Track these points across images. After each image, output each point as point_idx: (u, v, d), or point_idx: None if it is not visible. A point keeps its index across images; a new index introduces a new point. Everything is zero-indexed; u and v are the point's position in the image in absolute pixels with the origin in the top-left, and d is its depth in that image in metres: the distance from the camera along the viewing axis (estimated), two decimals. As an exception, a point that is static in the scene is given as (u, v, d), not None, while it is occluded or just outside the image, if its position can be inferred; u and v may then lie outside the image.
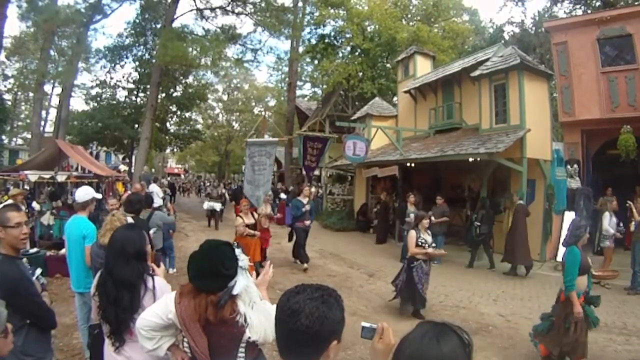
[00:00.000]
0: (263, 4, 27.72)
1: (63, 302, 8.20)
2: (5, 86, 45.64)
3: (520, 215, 13.65)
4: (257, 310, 2.95)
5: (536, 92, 15.29)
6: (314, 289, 1.96)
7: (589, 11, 26.65)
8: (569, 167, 16.29)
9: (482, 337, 8.09)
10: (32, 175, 15.31)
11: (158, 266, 4.10)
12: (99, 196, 6.73)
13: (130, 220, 6.15)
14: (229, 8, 29.56)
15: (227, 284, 2.85)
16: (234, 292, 2.85)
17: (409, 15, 37.80)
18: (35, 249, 11.78)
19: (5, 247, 3.63)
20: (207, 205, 23.50)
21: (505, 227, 15.26)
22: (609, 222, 12.43)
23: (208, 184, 42.60)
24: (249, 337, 2.84)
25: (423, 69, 22.86)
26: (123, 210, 7.08)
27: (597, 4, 28.62)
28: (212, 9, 30.13)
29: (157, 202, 15.39)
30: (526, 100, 14.66)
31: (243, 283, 2.93)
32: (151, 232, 7.57)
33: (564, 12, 31.77)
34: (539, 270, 13.99)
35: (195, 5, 29.70)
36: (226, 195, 28.41)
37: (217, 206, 22.93)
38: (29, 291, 3.72)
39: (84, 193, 6.42)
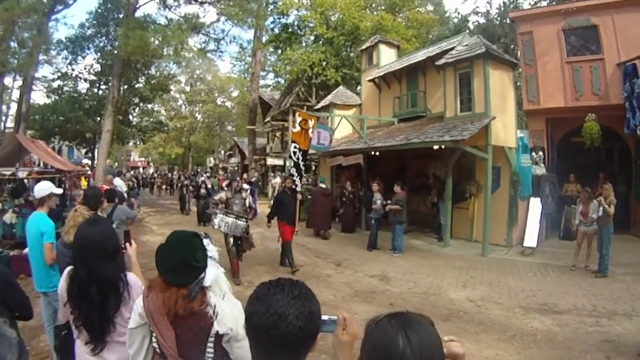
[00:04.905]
0: (227, -7, 27.36)
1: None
2: None
3: (318, 194, 17.79)
4: (228, 301, 2.87)
5: (501, 81, 15.35)
6: (290, 286, 1.84)
7: (554, 2, 26.84)
8: (534, 154, 16.43)
9: (453, 323, 8.06)
10: None
11: (130, 244, 4.05)
12: (59, 191, 6.43)
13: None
14: None
15: (198, 276, 2.75)
16: (205, 283, 2.78)
17: (373, 5, 38.04)
18: None
19: None
20: (223, 224, 11.11)
21: (471, 213, 15.37)
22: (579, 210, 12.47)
23: (185, 178, 39.96)
24: (217, 330, 2.73)
25: (387, 58, 22.80)
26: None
27: (563, -5, 28.94)
28: None
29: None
30: (491, 89, 14.67)
31: (213, 274, 2.85)
32: (113, 226, 7.37)
33: (529, 3, 32.16)
34: (506, 255, 14.10)
35: (159, -6, 29.18)
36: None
37: (241, 225, 11.21)
38: (14, 280, 3.77)
39: (42, 188, 6.15)
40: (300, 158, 13.64)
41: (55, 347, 3.85)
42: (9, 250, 11.34)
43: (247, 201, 11.60)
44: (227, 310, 2.76)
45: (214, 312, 2.70)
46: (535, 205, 15.05)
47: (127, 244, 3.99)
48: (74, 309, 3.17)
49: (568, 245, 13.98)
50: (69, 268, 3.35)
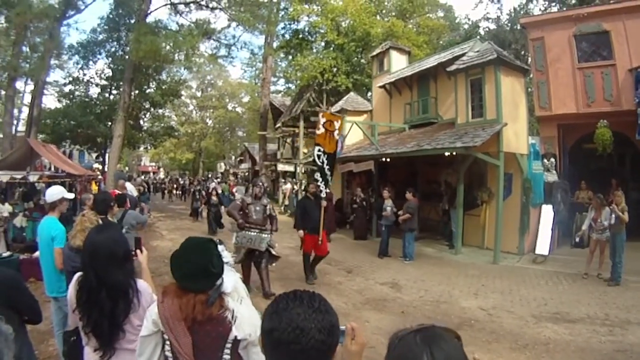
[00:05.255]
0: (237, -1, 27.42)
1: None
2: None
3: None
4: (246, 306, 2.86)
5: (512, 87, 15.32)
6: (309, 299, 1.80)
7: (564, 8, 26.74)
8: (545, 160, 16.34)
9: (464, 332, 7.91)
10: (4, 176, 15.11)
11: (141, 250, 4.04)
12: (70, 196, 6.45)
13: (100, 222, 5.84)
14: (203, 2, 29.18)
15: (215, 282, 2.73)
16: (226, 290, 2.77)
17: (384, 11, 38.01)
18: (8, 253, 11.43)
19: None
20: (245, 240, 10.24)
21: (483, 221, 15.30)
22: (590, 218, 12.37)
23: (197, 183, 39.34)
24: (236, 336, 2.70)
25: (398, 64, 22.79)
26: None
27: (573, 1, 28.79)
28: (187, 4, 29.78)
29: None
30: (503, 95, 14.64)
31: (232, 280, 2.85)
32: (123, 231, 7.36)
33: (539, 9, 32.05)
34: (517, 263, 14.02)
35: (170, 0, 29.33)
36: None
37: (265, 239, 10.32)
38: (25, 285, 3.80)
39: (54, 193, 6.20)
40: (326, 162, 12.47)
41: (64, 352, 3.84)
42: (19, 253, 11.39)
43: (267, 208, 10.66)
44: (246, 315, 2.76)
45: (232, 317, 2.69)
46: (547, 213, 14.91)
47: (138, 251, 3.98)
48: (83, 315, 3.17)
49: (580, 253, 13.89)
50: (78, 274, 3.34)
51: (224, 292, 2.76)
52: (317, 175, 12.42)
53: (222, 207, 21.29)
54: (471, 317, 8.88)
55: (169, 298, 2.68)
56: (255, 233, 10.22)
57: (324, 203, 11.98)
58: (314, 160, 12.99)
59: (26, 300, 3.64)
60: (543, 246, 14.18)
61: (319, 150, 12.51)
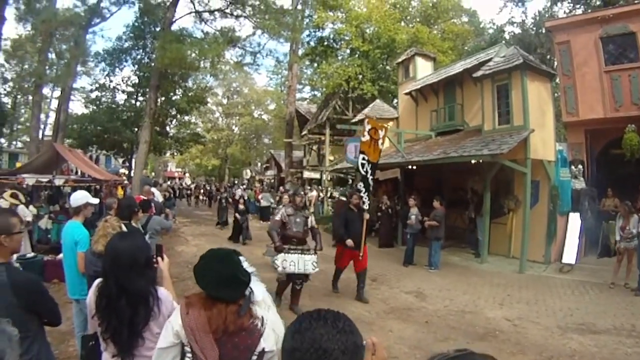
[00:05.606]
0: (262, 6, 27.55)
1: (61, 308, 7.94)
2: (4, 89, 45.97)
3: (339, 206, 16.85)
4: (273, 314, 2.82)
5: (539, 92, 15.18)
6: (333, 319, 1.72)
7: (589, 10, 26.47)
8: (573, 167, 16.20)
9: (489, 343, 7.91)
10: (30, 179, 15.32)
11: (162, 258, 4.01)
12: (95, 201, 6.51)
13: (123, 227, 5.84)
14: (227, 11, 29.42)
15: (244, 291, 2.72)
16: (257, 298, 2.75)
17: (408, 17, 37.87)
18: (32, 254, 11.61)
19: (5, 254, 3.57)
20: (288, 264, 9.22)
21: (509, 229, 15.16)
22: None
23: (225, 190, 38.74)
24: (264, 348, 2.66)
25: (424, 71, 22.75)
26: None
27: (597, 3, 28.53)
28: (211, 12, 30.02)
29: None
30: (530, 101, 14.50)
31: (261, 288, 2.82)
32: (146, 237, 7.38)
33: (564, 11, 31.74)
34: (544, 272, 13.85)
35: (194, 8, 29.60)
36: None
37: (311, 261, 9.43)
38: (46, 289, 3.77)
39: (78, 197, 6.26)
40: (369, 172, 11.54)
41: (82, 356, 3.87)
42: (44, 255, 11.63)
43: (309, 220, 9.74)
44: (277, 323, 2.76)
45: (262, 326, 2.67)
46: (575, 221, 14.76)
47: (159, 258, 3.94)
48: (102, 321, 3.17)
49: (607, 262, 13.76)
50: (98, 280, 3.36)
51: (254, 301, 2.74)
52: (361, 186, 11.60)
53: (249, 214, 21.27)
54: (496, 328, 8.78)
55: (195, 309, 2.63)
56: (297, 255, 9.24)
57: (366, 216, 11.16)
58: (357, 169, 12.44)
59: (46, 303, 3.67)
60: (570, 255, 14.01)
61: (364, 159, 11.61)
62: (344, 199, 19.13)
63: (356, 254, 10.77)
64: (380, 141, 11.92)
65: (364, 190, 11.39)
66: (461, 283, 12.57)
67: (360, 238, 10.75)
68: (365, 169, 11.49)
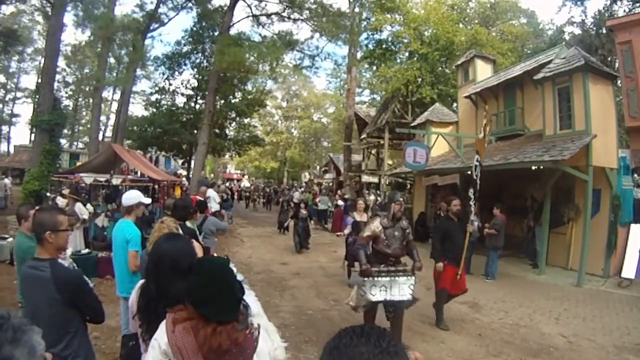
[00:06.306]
0: (319, 10, 27.79)
1: (111, 303, 7.99)
2: (66, 92, 47.50)
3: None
4: (265, 323, 2.80)
5: (601, 95, 14.76)
6: (377, 337, 1.47)
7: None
8: (636, 175, 15.71)
9: (542, 360, 7.68)
10: (88, 178, 15.92)
11: None
12: (147, 201, 6.58)
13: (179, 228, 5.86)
14: (284, 14, 29.90)
15: (240, 307, 2.61)
16: (253, 312, 2.69)
17: (466, 19, 37.68)
18: (87, 250, 12.23)
19: (51, 251, 3.66)
20: (378, 290, 7.38)
21: (569, 239, 14.77)
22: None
23: (287, 189, 37.63)
24: None
25: (483, 73, 22.48)
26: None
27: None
28: (268, 16, 30.51)
29: (214, 207, 15.68)
30: (591, 104, 14.15)
31: (253, 300, 2.80)
32: (200, 237, 7.49)
33: (624, 10, 30.87)
34: (602, 286, 13.45)
35: (251, 12, 30.09)
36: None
37: (408, 284, 7.51)
38: (88, 286, 3.90)
39: (131, 197, 6.35)
40: (479, 175, 9.95)
41: (122, 355, 3.93)
42: (98, 251, 12.11)
43: (407, 233, 7.95)
44: (271, 331, 2.74)
45: (258, 334, 2.60)
46: (636, 233, 14.15)
47: None
48: (143, 322, 3.13)
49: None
50: (141, 281, 3.37)
51: (251, 315, 2.66)
52: (471, 192, 9.84)
53: (311, 220, 21.08)
54: (550, 344, 8.50)
55: (183, 327, 2.52)
56: (389, 278, 7.38)
57: (470, 228, 9.31)
58: (470, 172, 10.59)
59: (88, 300, 3.75)
60: (630, 269, 13.52)
61: (477, 160, 10.03)
62: None
63: (455, 272, 9.23)
64: (486, 140, 11.00)
65: (473, 198, 9.75)
66: (517, 295, 12.29)
67: (461, 254, 9.17)
68: (477, 173, 9.91)
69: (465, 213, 9.86)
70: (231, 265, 2.76)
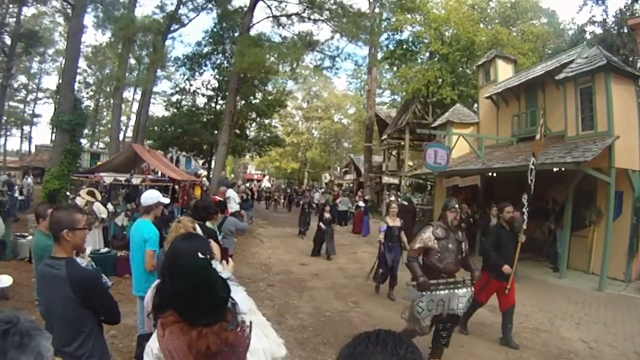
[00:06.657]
0: (339, 10, 27.84)
1: (129, 302, 8.08)
2: (87, 93, 48.05)
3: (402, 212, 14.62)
4: (259, 319, 2.73)
5: (624, 96, 14.53)
6: (394, 344, 1.39)
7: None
8: (659, 178, 15.49)
9: (562, 367, 7.58)
10: (108, 177, 16.17)
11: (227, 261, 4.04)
12: (166, 201, 6.58)
13: (197, 227, 5.59)
14: (304, 15, 30.01)
15: (227, 307, 2.53)
16: (242, 309, 2.60)
17: (487, 19, 37.51)
18: (106, 249, 12.38)
19: (68, 249, 3.70)
20: (435, 305, 6.78)
21: (590, 243, 14.59)
22: None
23: (308, 190, 37.23)
24: None
25: (504, 74, 22.26)
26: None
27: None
28: (288, 16, 30.63)
29: (234, 207, 15.65)
30: (614, 105, 13.96)
31: (243, 297, 2.69)
32: (220, 237, 7.44)
33: (644, 9, 30.57)
34: (623, 291, 13.26)
35: (271, 12, 30.31)
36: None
37: (466, 296, 7.05)
38: (104, 286, 4.06)
39: (150, 197, 6.38)
40: (533, 180, 9.29)
41: (137, 355, 3.92)
42: (117, 250, 12.24)
43: (463, 246, 7.28)
44: (265, 328, 2.71)
45: (250, 331, 2.52)
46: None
47: (224, 261, 3.83)
48: (156, 321, 3.04)
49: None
50: (157, 280, 3.35)
51: (241, 313, 2.59)
52: (524, 199, 9.12)
53: (335, 224, 20.81)
54: (570, 350, 8.41)
55: (171, 330, 2.45)
56: (447, 291, 6.79)
57: (522, 238, 8.65)
58: (527, 175, 9.44)
59: (102, 300, 3.77)
60: (651, 274, 13.37)
61: (533, 163, 9.35)
62: (406, 203, 19.24)
63: (503, 285, 8.42)
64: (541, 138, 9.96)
65: (526, 204, 9.05)
66: (538, 299, 12.12)
67: (512, 264, 8.34)
68: (532, 177, 9.23)
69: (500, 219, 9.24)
70: (213, 263, 2.66)
